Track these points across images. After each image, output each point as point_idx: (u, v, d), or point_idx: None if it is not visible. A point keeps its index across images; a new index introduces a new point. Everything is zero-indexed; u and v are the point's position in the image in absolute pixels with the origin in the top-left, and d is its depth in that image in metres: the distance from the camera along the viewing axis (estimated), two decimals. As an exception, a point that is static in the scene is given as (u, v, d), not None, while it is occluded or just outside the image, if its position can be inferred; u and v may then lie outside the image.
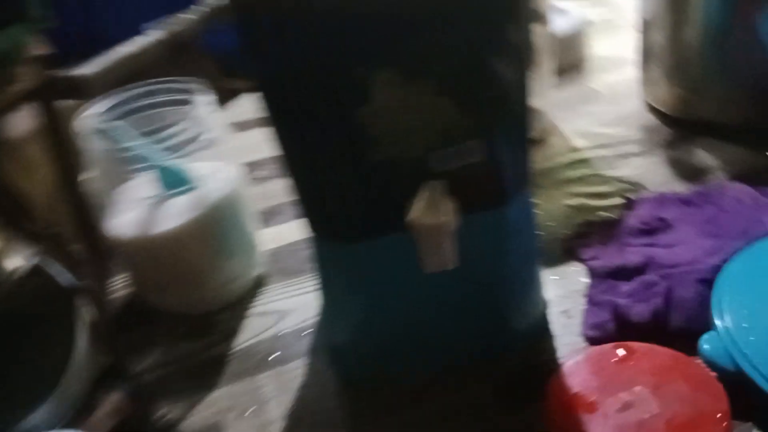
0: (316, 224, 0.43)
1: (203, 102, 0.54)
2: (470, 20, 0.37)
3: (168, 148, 0.52)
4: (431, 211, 0.38)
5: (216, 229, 0.55)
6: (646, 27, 0.72)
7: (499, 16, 0.38)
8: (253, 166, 0.76)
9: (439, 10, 0.36)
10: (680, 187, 0.61)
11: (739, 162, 0.62)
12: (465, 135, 0.39)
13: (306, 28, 0.35)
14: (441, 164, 0.39)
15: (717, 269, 0.48)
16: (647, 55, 0.73)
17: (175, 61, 0.54)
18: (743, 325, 0.43)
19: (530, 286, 0.48)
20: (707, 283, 0.47)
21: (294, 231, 0.66)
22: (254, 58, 0.37)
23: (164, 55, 0.52)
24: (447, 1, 0.36)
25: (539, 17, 0.65)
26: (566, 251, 0.56)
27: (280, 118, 0.39)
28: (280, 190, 0.73)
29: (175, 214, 0.53)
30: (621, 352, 0.43)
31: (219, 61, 0.85)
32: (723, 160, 0.63)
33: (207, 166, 0.57)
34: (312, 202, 0.42)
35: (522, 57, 0.40)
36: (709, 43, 0.65)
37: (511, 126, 0.41)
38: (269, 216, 0.69)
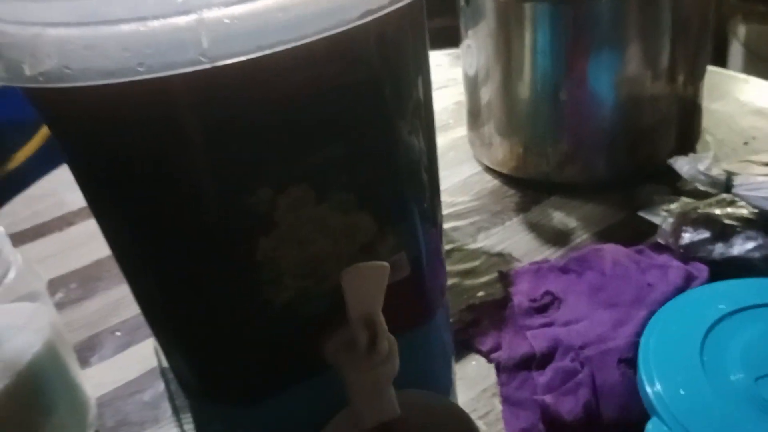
0: (197, 387, 0.33)
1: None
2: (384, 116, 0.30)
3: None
4: (366, 355, 0.30)
5: (32, 398, 0.41)
6: (472, 84, 0.70)
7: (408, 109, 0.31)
8: (49, 287, 0.62)
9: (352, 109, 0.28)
10: (549, 254, 0.58)
11: (597, 219, 0.62)
12: (388, 251, 0.32)
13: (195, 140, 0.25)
14: (363, 289, 0.31)
15: (633, 346, 0.45)
16: (476, 113, 0.71)
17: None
18: (681, 392, 0.40)
19: (449, 396, 0.42)
20: (628, 362, 0.44)
21: (123, 368, 0.53)
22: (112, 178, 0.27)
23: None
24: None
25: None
26: (461, 344, 0.50)
27: (160, 263, 0.28)
28: (93, 315, 0.59)
29: (-27, 388, 0.39)
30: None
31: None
32: (581, 220, 0.62)
33: (5, 310, 0.43)
34: (194, 361, 0.32)
35: (430, 128, 0.34)
36: (542, 97, 0.64)
37: (430, 229, 0.34)
38: (86, 352, 0.55)
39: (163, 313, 0.31)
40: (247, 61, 0.23)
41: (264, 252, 0.28)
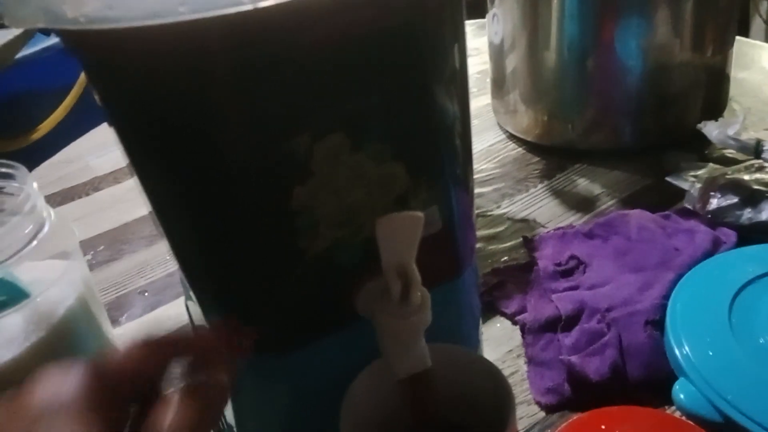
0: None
1: (32, 186, 0.42)
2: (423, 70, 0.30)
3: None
4: (399, 304, 0.30)
5: (66, 351, 0.42)
6: (498, 52, 0.69)
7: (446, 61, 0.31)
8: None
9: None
10: (574, 220, 0.58)
11: (623, 186, 0.61)
12: (421, 204, 0.32)
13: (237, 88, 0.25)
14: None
15: (660, 308, 0.45)
16: (500, 81, 0.71)
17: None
18: (709, 353, 0.40)
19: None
20: (654, 324, 0.44)
21: (152, 327, 0.54)
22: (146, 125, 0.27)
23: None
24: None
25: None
26: (486, 306, 0.50)
27: (198, 210, 0.29)
28: (120, 275, 0.60)
29: (9, 340, 0.40)
30: (603, 425, 0.38)
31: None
32: (606, 186, 0.62)
33: (39, 266, 0.44)
34: (229, 310, 0.32)
35: (464, 96, 0.34)
36: (568, 64, 0.64)
37: (462, 192, 0.34)
38: (115, 312, 0.56)
39: (199, 261, 0.31)
40: (289, 3, 0.23)
41: (300, 200, 0.28)
